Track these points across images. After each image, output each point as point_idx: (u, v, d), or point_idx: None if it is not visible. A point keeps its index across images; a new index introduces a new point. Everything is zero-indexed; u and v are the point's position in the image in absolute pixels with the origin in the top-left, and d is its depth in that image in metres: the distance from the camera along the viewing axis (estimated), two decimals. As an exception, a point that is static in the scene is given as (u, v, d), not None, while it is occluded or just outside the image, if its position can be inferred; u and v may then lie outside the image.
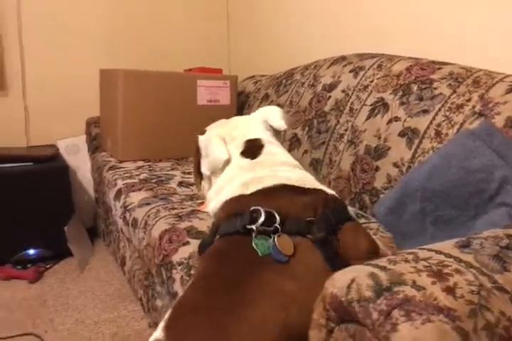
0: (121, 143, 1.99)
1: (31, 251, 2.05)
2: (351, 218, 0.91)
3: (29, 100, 2.45)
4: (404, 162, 1.29)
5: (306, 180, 0.95)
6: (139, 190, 1.60)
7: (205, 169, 1.05)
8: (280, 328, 0.67)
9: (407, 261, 0.60)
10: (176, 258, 1.14)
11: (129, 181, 1.70)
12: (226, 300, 0.71)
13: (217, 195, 0.99)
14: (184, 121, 2.08)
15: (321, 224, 0.82)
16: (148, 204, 1.45)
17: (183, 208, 1.39)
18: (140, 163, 1.95)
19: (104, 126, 2.24)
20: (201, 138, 1.08)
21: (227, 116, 2.19)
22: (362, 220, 1.26)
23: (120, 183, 1.70)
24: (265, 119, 1.14)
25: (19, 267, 2.00)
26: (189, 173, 1.80)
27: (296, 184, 0.91)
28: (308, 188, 0.91)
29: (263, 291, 0.72)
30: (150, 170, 1.84)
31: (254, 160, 1.00)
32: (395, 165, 1.32)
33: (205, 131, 1.17)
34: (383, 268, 0.58)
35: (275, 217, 0.82)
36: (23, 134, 2.46)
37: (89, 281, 1.95)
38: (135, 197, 1.55)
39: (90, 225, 2.43)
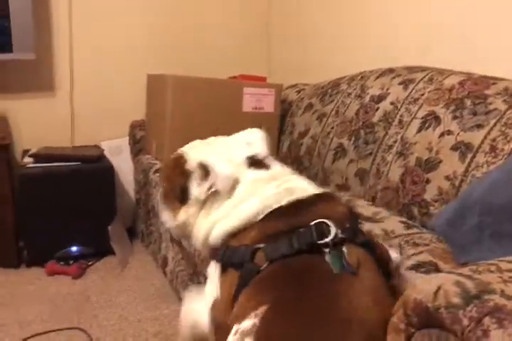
0: (167, 146, 2.04)
1: (74, 248, 2.11)
2: None
3: (76, 101, 2.52)
4: (457, 175, 1.30)
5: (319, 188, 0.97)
6: (188, 192, 1.64)
7: (201, 192, 0.94)
8: None
9: (490, 271, 0.62)
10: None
11: (177, 184, 1.74)
12: (325, 331, 0.69)
13: (230, 213, 0.91)
14: (229, 126, 2.08)
15: (358, 229, 0.85)
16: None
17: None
18: (185, 167, 1.98)
19: (149, 130, 2.30)
20: (195, 158, 0.99)
21: (271, 124, 2.25)
22: (414, 230, 1.27)
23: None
24: (248, 142, 1.06)
25: (62, 263, 2.06)
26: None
27: (323, 192, 0.92)
28: (333, 196, 0.93)
29: (356, 311, 0.71)
30: (196, 173, 1.88)
31: (270, 171, 0.97)
32: (447, 178, 1.33)
33: (181, 152, 1.08)
34: (469, 277, 0.60)
35: (334, 228, 0.80)
36: (69, 134, 2.53)
37: (130, 280, 2.00)
38: (184, 200, 1.58)
39: (128, 225, 2.48)
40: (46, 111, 2.46)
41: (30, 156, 2.14)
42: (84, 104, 2.53)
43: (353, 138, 1.77)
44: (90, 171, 2.15)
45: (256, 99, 2.16)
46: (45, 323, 1.66)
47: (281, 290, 0.76)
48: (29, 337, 1.57)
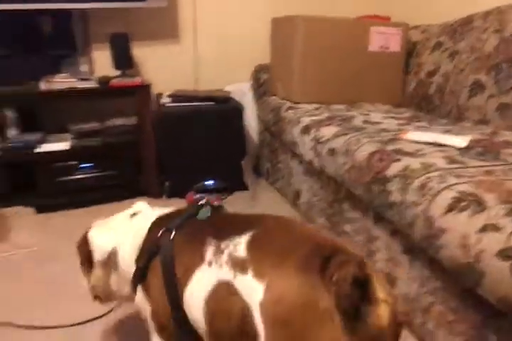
0: (297, 86, 2.13)
1: (209, 182, 2.30)
2: None
3: (199, 48, 2.66)
4: None
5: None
6: (328, 125, 1.72)
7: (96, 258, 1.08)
8: None
9: None
10: (389, 172, 1.25)
11: (314, 118, 1.83)
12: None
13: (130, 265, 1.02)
14: (355, 66, 2.17)
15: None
16: (344, 134, 1.57)
17: (383, 136, 1.50)
18: (315, 105, 2.07)
19: (275, 72, 2.39)
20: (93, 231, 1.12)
21: (397, 63, 2.26)
22: None
23: (307, 120, 1.84)
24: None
25: (198, 196, 2.25)
26: (367, 114, 1.89)
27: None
28: None
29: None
30: (329, 110, 1.96)
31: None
32: None
33: (91, 226, 1.16)
34: None
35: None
36: (193, 79, 2.69)
37: (262, 212, 2.15)
38: (326, 131, 1.68)
39: (252, 165, 2.63)
40: (172, 57, 2.63)
41: (168, 96, 2.32)
42: (207, 50, 2.67)
43: (492, 73, 1.75)
44: (223, 111, 2.29)
45: (383, 38, 2.17)
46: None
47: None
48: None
